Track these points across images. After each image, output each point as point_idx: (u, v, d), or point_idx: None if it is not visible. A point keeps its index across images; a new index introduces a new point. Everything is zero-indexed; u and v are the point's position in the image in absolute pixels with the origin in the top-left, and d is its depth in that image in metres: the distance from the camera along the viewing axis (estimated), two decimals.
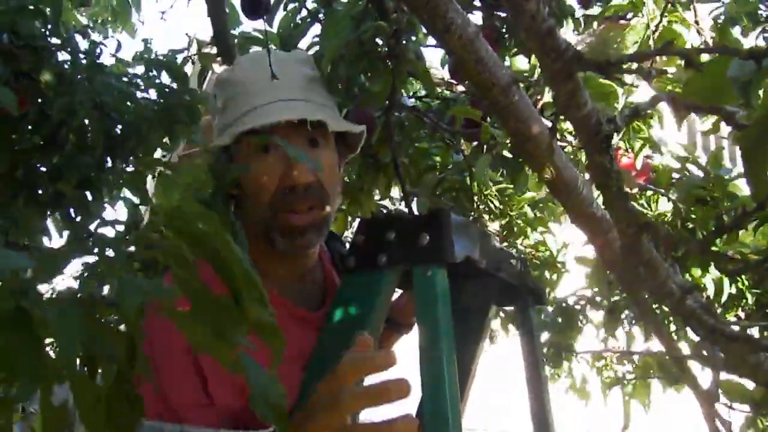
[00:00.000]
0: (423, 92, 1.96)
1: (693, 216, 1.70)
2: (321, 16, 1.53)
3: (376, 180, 1.73)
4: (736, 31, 1.77)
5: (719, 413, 1.00)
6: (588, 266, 2.33)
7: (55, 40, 1.59)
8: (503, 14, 1.55)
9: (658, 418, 2.52)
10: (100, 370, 0.40)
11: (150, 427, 0.81)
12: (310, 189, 0.98)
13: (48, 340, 0.36)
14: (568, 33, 1.69)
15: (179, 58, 1.87)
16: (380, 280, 0.93)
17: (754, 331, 1.67)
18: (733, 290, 1.78)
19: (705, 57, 0.57)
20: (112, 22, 2.77)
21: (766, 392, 1.15)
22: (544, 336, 2.44)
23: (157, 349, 0.84)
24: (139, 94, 1.74)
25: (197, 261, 0.43)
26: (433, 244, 0.89)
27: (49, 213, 1.71)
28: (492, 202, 2.10)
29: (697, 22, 1.62)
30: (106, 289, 0.41)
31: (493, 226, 2.16)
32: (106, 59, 1.71)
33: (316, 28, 1.56)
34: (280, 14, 1.59)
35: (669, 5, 1.61)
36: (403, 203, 1.46)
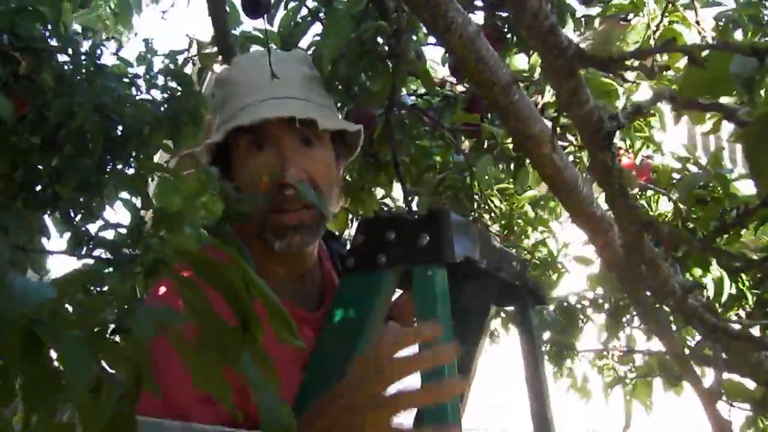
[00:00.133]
0: (423, 90, 1.95)
1: (694, 216, 1.70)
2: (321, 15, 1.53)
3: (377, 178, 1.73)
4: (738, 35, 1.76)
5: (719, 412, 1.00)
6: (588, 266, 2.33)
7: (54, 42, 1.59)
8: (505, 14, 1.55)
9: (660, 418, 2.52)
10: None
11: (150, 424, 0.81)
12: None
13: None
14: (569, 32, 1.69)
15: (180, 58, 1.87)
16: (380, 280, 0.93)
17: (755, 331, 1.67)
18: (734, 290, 1.78)
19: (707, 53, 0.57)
20: (112, 25, 2.78)
21: (766, 391, 1.15)
22: (546, 335, 2.43)
23: (158, 348, 0.84)
24: (140, 96, 1.74)
25: (203, 287, 0.43)
26: (433, 244, 0.89)
27: (48, 213, 1.71)
28: (492, 202, 2.10)
29: (698, 22, 1.62)
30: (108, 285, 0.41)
31: (494, 226, 2.16)
32: (108, 59, 1.71)
33: (317, 27, 1.56)
34: (281, 13, 1.59)
35: (670, 5, 1.61)
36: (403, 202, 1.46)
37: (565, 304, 2.40)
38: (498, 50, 1.44)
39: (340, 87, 1.27)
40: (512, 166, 1.71)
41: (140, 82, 1.74)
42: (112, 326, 0.40)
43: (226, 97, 1.05)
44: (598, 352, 2.48)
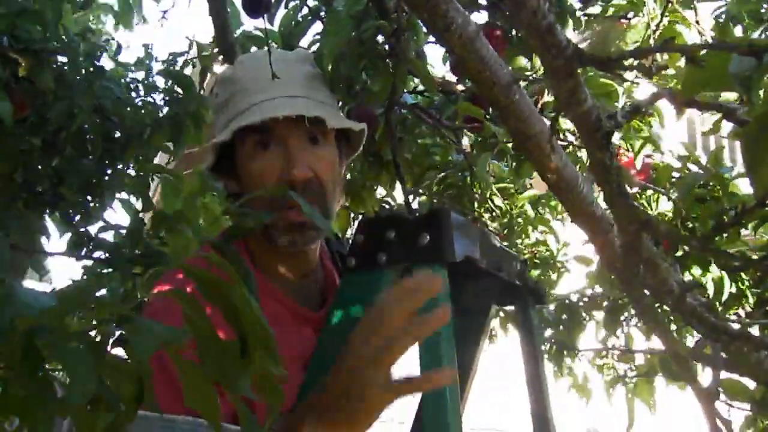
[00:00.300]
0: (422, 87, 1.95)
1: (693, 215, 1.70)
2: (322, 14, 1.53)
3: (378, 177, 1.73)
4: (738, 31, 1.76)
5: (719, 412, 1.00)
6: (588, 265, 2.33)
7: (54, 44, 1.59)
8: (508, 11, 1.54)
9: (663, 417, 2.52)
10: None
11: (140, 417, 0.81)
12: (308, 185, 0.98)
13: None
14: (569, 32, 1.69)
15: (180, 61, 1.88)
16: (380, 280, 0.93)
17: (755, 330, 1.67)
18: (734, 289, 1.78)
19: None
20: (115, 25, 2.78)
21: (766, 391, 1.15)
22: (547, 333, 2.43)
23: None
24: (140, 100, 1.75)
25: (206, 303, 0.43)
26: (434, 243, 0.89)
27: (48, 213, 1.71)
28: (492, 201, 2.10)
29: (697, 22, 1.62)
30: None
31: (494, 225, 2.16)
32: (107, 63, 1.72)
33: (318, 27, 1.56)
34: (281, 13, 1.59)
35: (669, 4, 1.61)
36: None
37: (567, 302, 2.41)
38: (504, 49, 1.44)
39: (341, 86, 1.27)
40: (513, 163, 1.71)
41: (139, 86, 1.75)
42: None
43: (231, 96, 1.05)
44: (598, 351, 2.48)
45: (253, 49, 1.81)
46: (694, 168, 1.85)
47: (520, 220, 2.24)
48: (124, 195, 1.94)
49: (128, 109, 1.65)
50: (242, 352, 0.43)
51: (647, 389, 2.34)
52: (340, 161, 1.08)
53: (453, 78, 1.80)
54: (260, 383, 0.45)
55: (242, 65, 1.10)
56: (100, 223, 1.76)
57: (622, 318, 2.25)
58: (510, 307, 1.27)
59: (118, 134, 1.68)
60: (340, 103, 1.33)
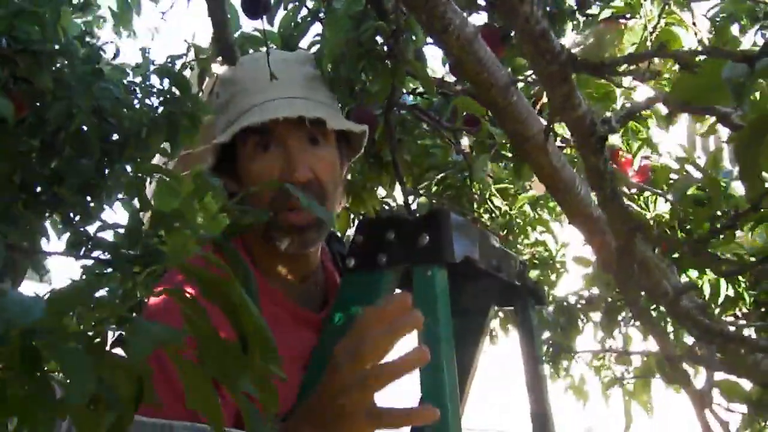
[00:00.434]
0: (422, 88, 1.95)
1: (691, 217, 1.70)
2: (321, 15, 1.53)
3: (378, 178, 1.73)
4: (734, 29, 1.76)
5: (716, 413, 1.00)
6: (586, 266, 2.34)
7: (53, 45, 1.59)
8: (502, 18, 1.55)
9: (661, 418, 2.52)
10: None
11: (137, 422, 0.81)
12: (308, 187, 0.98)
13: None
14: (568, 33, 1.69)
15: (178, 63, 1.87)
16: (380, 280, 0.93)
17: (751, 332, 1.67)
18: (731, 292, 1.78)
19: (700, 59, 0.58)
20: (115, 24, 2.77)
21: (763, 392, 1.15)
22: (544, 335, 2.44)
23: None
24: (137, 102, 1.75)
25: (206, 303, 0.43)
26: (433, 244, 0.90)
27: (48, 214, 1.71)
28: (492, 202, 2.10)
29: (694, 24, 1.63)
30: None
31: (493, 226, 2.16)
32: (105, 65, 1.72)
33: (317, 28, 1.56)
34: (281, 14, 1.60)
35: (666, 6, 1.62)
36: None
37: (565, 303, 2.41)
38: (503, 50, 1.44)
39: (341, 87, 1.27)
40: (512, 165, 1.71)
41: (137, 89, 1.75)
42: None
43: (231, 97, 1.05)
44: (595, 353, 2.48)
45: (253, 50, 1.81)
46: (692, 170, 1.85)
47: (519, 220, 2.25)
48: (123, 196, 1.95)
49: (125, 110, 1.65)
50: (243, 349, 0.43)
51: (644, 391, 2.34)
52: (340, 162, 1.08)
53: (452, 79, 1.81)
54: (259, 383, 0.45)
55: (243, 66, 1.10)
56: (99, 223, 1.76)
57: (619, 318, 2.25)
58: (510, 308, 1.27)
59: (116, 135, 1.68)
60: (340, 105, 1.34)
